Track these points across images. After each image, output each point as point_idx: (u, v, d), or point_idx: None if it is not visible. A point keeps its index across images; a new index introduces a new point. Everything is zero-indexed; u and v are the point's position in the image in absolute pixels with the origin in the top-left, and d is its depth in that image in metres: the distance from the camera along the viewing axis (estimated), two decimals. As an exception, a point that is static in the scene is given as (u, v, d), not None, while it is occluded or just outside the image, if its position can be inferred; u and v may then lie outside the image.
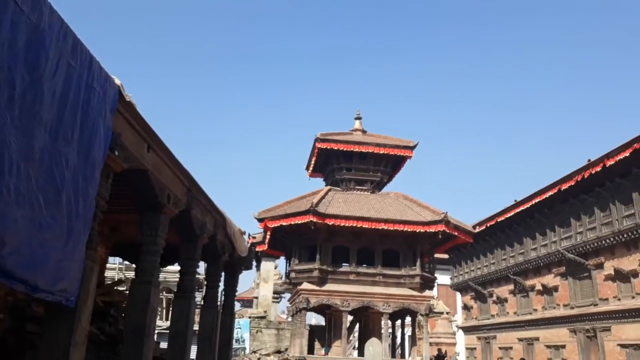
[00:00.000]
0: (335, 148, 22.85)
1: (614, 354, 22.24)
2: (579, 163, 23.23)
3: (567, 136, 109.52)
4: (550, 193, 25.15)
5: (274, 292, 32.57)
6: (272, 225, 19.88)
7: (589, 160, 22.37)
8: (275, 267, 33.27)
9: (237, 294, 13.01)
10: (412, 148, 23.27)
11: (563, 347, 25.87)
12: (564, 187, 24.05)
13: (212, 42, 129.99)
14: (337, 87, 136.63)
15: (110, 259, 21.12)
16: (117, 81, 4.39)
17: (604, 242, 22.90)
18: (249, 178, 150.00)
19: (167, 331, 7.78)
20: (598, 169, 21.79)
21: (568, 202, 25.14)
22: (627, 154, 20.18)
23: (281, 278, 31.24)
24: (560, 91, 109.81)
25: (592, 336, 23.67)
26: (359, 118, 25.55)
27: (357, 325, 24.95)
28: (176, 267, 8.92)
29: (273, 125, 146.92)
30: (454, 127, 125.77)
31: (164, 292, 27.37)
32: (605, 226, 22.95)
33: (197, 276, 11.24)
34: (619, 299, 22.24)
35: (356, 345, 27.31)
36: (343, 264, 20.94)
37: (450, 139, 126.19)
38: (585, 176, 22.60)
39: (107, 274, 20.12)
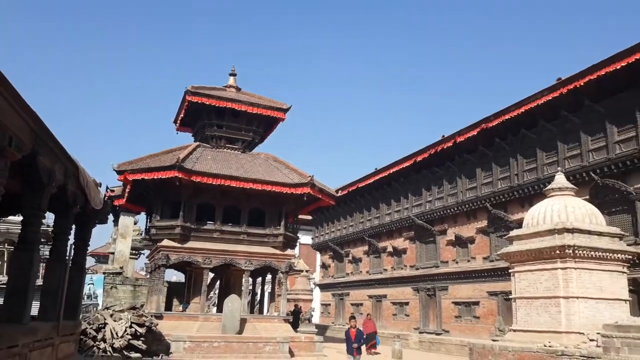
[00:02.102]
0: (207, 103, 22.13)
1: (448, 310, 25.10)
2: (437, 136, 25.36)
3: (430, 109, 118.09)
4: (406, 164, 27.18)
5: (133, 248, 31.26)
6: (133, 179, 18.90)
7: (443, 135, 24.46)
8: (135, 223, 31.85)
9: (91, 249, 12.31)
10: (285, 111, 23.38)
11: (407, 303, 28.57)
12: (419, 159, 26.12)
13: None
14: (213, 40, 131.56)
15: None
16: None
17: (448, 211, 25.44)
18: (113, 130, 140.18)
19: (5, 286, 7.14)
20: (450, 144, 23.96)
21: (421, 173, 27.37)
22: (475, 133, 22.43)
23: (141, 234, 30.06)
24: (432, 68, 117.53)
25: (432, 294, 26.42)
26: (233, 75, 24.94)
27: (218, 282, 25.06)
28: (21, 218, 8.14)
29: (141, 76, 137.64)
30: (329, 96, 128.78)
31: (6, 245, 24.96)
32: (451, 197, 25.45)
33: (45, 228, 10.37)
34: (457, 262, 25.00)
35: (216, 302, 27.46)
36: (208, 222, 20.69)
37: (323, 106, 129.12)
38: (438, 150, 24.73)
39: None
